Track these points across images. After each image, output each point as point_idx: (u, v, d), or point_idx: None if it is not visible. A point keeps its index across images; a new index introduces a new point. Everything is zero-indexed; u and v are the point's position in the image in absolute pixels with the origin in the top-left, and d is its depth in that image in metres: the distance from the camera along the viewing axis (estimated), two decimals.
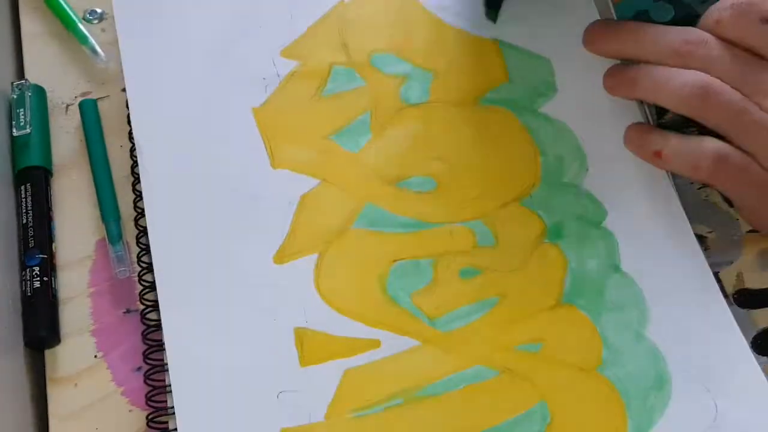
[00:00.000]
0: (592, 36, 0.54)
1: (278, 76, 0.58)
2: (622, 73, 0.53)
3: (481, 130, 0.56)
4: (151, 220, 0.53)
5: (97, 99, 0.58)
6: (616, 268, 0.52)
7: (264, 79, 0.58)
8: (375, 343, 0.50)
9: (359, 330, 0.50)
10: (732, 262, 0.53)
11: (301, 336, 0.50)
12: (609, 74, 0.53)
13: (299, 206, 0.54)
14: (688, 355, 0.49)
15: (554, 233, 0.53)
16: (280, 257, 0.53)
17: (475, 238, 0.53)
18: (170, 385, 0.49)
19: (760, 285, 0.53)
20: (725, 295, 0.52)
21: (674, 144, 0.51)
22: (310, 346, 0.50)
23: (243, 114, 0.57)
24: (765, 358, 0.51)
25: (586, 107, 0.56)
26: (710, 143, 0.49)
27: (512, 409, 0.49)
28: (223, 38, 0.59)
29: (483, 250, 0.52)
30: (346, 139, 0.56)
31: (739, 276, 0.53)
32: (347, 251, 0.52)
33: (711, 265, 0.53)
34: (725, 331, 0.50)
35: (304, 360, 0.50)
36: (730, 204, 0.54)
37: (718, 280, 0.52)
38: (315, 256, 0.52)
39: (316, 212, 0.54)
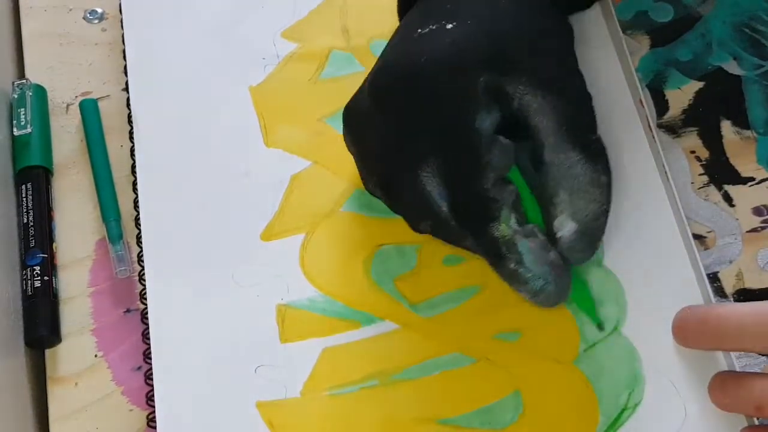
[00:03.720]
0: (684, 332, 0.49)
1: (277, 56, 0.58)
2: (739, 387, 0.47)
3: None
4: (142, 191, 0.54)
5: (97, 99, 0.58)
6: (599, 263, 0.52)
7: (263, 59, 0.58)
8: (355, 324, 0.51)
9: (340, 310, 0.51)
10: (732, 262, 0.53)
11: (283, 313, 0.51)
12: (721, 390, 0.47)
13: (289, 186, 0.55)
14: (663, 356, 0.49)
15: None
16: (268, 235, 0.53)
17: None
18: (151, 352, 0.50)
19: (760, 285, 0.53)
20: (725, 296, 0.52)
21: None
22: (291, 323, 0.51)
23: (240, 92, 0.57)
24: (764, 357, 0.51)
25: None
26: None
27: (486, 397, 0.49)
28: (226, 16, 0.59)
29: None
30: (340, 123, 0.55)
31: (739, 276, 0.53)
32: (334, 233, 0.53)
33: (711, 265, 0.53)
34: None
35: (284, 336, 0.51)
36: (731, 204, 0.54)
37: (718, 280, 0.52)
38: (302, 235, 0.53)
39: (305, 193, 0.54)
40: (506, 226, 0.47)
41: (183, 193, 0.54)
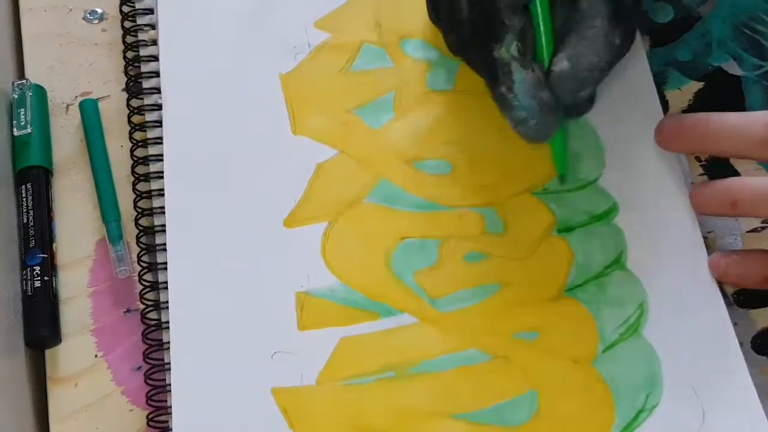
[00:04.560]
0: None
1: (309, 45, 0.59)
2: (687, 126, 0.51)
3: (502, 119, 0.55)
4: (168, 170, 0.54)
5: (97, 99, 0.58)
6: (622, 265, 0.52)
7: (295, 47, 0.58)
8: (374, 315, 0.51)
9: (360, 301, 0.51)
10: None
11: (302, 300, 0.51)
12: (667, 129, 0.53)
13: (315, 174, 0.55)
14: (683, 359, 0.49)
15: (564, 227, 0.53)
16: (291, 221, 0.53)
17: (484, 224, 0.53)
18: (168, 342, 0.50)
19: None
20: (725, 295, 0.52)
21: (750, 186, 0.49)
22: (310, 311, 0.51)
23: (270, 78, 0.57)
24: (764, 357, 0.51)
25: (609, 103, 0.56)
26: None
27: (501, 394, 0.49)
28: (259, 3, 0.60)
29: (490, 237, 0.53)
30: (368, 115, 0.56)
31: None
32: (357, 223, 0.53)
33: None
34: (723, 340, 0.50)
35: (302, 324, 0.51)
36: None
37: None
38: (325, 224, 0.53)
39: (330, 181, 0.54)
40: (506, 51, 0.49)
41: (208, 177, 0.54)
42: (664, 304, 0.51)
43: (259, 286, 0.52)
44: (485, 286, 0.52)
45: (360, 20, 0.59)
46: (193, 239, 0.53)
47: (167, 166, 0.55)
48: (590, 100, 0.52)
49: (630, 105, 0.56)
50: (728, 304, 0.51)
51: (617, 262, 0.52)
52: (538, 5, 0.50)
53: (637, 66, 0.57)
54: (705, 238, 0.53)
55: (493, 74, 0.50)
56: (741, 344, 0.51)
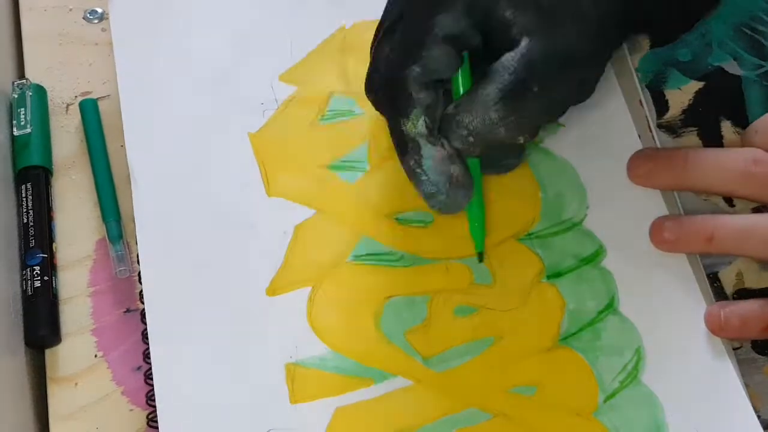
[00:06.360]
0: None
1: (276, 101, 0.57)
2: (662, 161, 0.51)
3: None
4: (142, 246, 0.52)
5: (97, 99, 0.58)
6: (614, 310, 0.50)
7: (262, 104, 0.57)
8: (367, 382, 0.49)
9: (351, 368, 0.49)
10: (732, 262, 0.53)
11: (292, 372, 0.49)
12: (640, 164, 0.52)
13: (294, 237, 0.53)
14: (685, 403, 0.48)
15: (552, 272, 0.52)
16: (273, 289, 0.52)
17: (471, 276, 0.52)
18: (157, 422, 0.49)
19: (760, 285, 0.53)
20: (725, 296, 0.52)
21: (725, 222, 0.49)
22: (301, 383, 0.49)
23: (240, 139, 0.55)
24: (764, 357, 0.51)
25: (589, 143, 0.54)
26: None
27: None
28: (222, 62, 0.58)
29: (479, 288, 0.51)
30: (343, 169, 0.55)
31: (739, 276, 0.53)
32: (341, 285, 0.51)
33: (711, 265, 0.53)
34: (724, 380, 0.49)
35: (295, 397, 0.49)
36: (731, 204, 0.54)
37: (718, 280, 0.52)
38: (308, 289, 0.51)
39: (310, 243, 0.53)
40: (412, 126, 0.48)
41: (183, 249, 0.52)
42: (661, 347, 0.49)
43: (246, 361, 0.50)
44: (478, 340, 0.50)
45: (326, 70, 0.57)
46: (174, 319, 0.51)
47: (141, 243, 0.53)
48: (515, 156, 0.52)
49: (608, 141, 0.54)
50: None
51: (610, 307, 0.50)
52: (460, 77, 0.49)
53: (613, 100, 0.55)
54: None
55: (401, 145, 0.49)
56: (741, 345, 0.51)
